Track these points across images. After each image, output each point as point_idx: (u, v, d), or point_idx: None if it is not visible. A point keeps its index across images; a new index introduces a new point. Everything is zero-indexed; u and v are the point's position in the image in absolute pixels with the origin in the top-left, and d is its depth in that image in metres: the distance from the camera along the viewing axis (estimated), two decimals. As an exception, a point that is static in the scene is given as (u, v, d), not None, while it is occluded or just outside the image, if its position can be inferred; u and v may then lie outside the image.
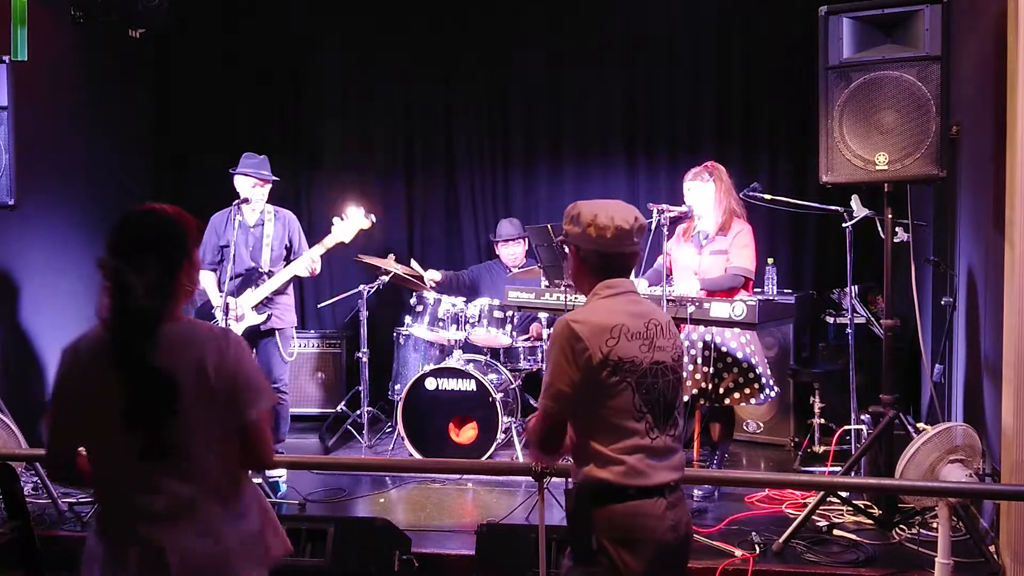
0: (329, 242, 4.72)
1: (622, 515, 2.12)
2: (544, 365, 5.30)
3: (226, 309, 4.39)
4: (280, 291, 4.72)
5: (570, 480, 2.25)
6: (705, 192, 4.32)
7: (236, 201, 4.67)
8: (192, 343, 1.93)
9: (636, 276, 4.44)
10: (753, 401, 4.30)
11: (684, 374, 2.29)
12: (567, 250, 2.32)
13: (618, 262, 2.23)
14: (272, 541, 2.06)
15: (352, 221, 4.75)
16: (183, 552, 1.88)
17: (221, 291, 4.61)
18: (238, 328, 4.57)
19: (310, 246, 4.78)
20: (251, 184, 4.71)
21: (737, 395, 4.24)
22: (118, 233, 1.97)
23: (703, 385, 4.21)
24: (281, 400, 4.67)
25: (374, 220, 4.84)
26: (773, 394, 4.33)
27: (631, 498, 2.12)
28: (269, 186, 4.80)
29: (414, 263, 5.73)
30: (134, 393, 1.88)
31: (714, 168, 4.36)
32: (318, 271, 4.78)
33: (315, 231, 6.60)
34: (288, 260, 4.81)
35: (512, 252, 5.81)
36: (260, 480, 4.17)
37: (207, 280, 4.73)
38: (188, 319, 2.01)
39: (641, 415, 2.15)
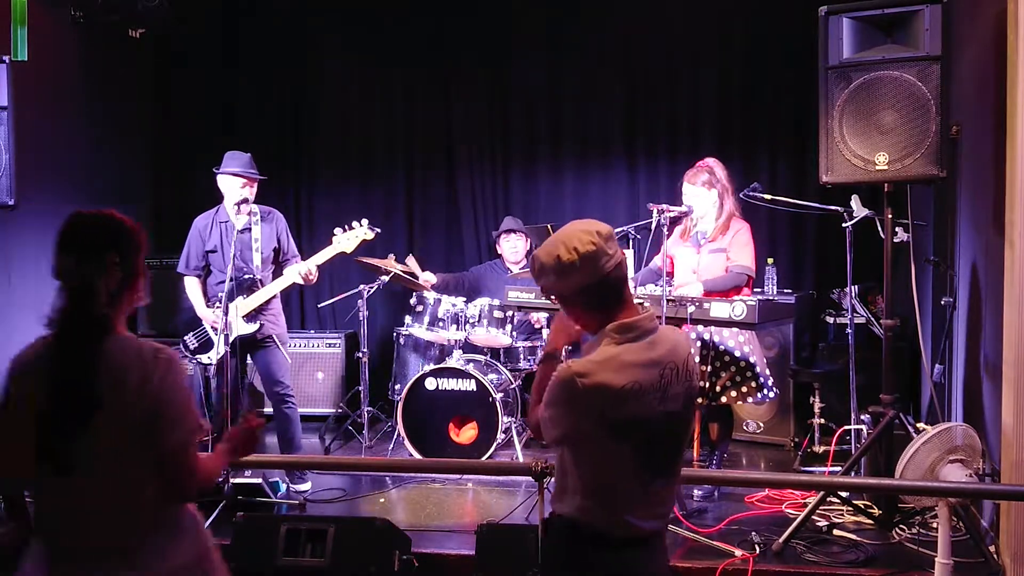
0: (329, 253, 4.59)
1: (599, 563, 1.98)
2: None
3: (225, 310, 4.31)
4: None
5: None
6: (705, 197, 4.32)
7: (235, 202, 4.49)
8: (120, 359, 1.85)
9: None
10: (751, 400, 4.29)
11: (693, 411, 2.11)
12: (560, 305, 2.10)
13: (608, 285, 1.99)
14: (211, 572, 1.97)
15: (355, 232, 4.63)
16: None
17: (208, 299, 4.54)
18: (220, 339, 4.46)
19: (311, 250, 4.67)
20: (240, 184, 4.50)
21: (734, 393, 4.23)
22: (81, 231, 1.90)
23: (702, 384, 4.20)
24: (290, 404, 4.58)
25: (378, 232, 4.73)
26: (772, 395, 4.32)
27: (613, 545, 1.97)
28: (256, 186, 4.61)
29: (411, 260, 5.70)
30: (52, 401, 1.81)
31: (712, 169, 4.35)
32: (314, 280, 4.63)
33: (315, 231, 6.67)
34: (276, 263, 4.67)
35: (514, 246, 5.80)
36: (260, 480, 4.17)
37: (192, 288, 4.63)
38: (126, 334, 1.93)
39: (639, 473, 1.97)
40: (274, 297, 4.61)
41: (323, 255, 4.60)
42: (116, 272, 1.88)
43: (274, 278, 4.65)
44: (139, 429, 1.83)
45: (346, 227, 4.66)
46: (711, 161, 4.41)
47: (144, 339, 1.96)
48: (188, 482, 1.92)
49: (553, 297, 2.08)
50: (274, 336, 4.60)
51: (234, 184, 4.52)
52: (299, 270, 4.52)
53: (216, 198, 4.75)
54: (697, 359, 4.19)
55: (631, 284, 4.35)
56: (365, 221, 4.69)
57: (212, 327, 4.47)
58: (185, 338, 4.72)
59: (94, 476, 1.83)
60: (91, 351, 1.83)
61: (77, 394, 1.80)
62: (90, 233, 1.91)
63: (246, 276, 4.55)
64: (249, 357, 4.65)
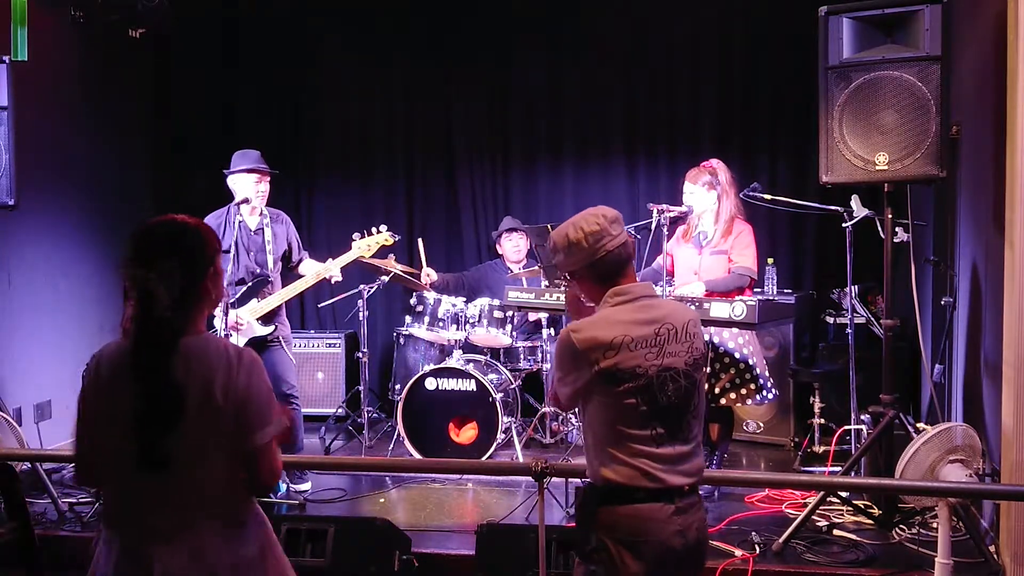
0: (349, 257, 4.64)
1: (626, 517, 2.11)
2: (543, 365, 5.34)
3: (225, 310, 4.31)
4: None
5: (571, 480, 2.26)
6: (705, 198, 4.32)
7: (238, 201, 4.50)
8: (204, 360, 1.90)
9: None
10: (750, 402, 4.29)
11: (702, 377, 2.25)
12: (571, 281, 2.31)
13: (610, 262, 2.20)
14: (271, 570, 2.02)
15: (375, 238, 4.66)
16: (170, 572, 1.86)
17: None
18: (240, 341, 4.47)
19: (310, 250, 4.69)
20: (255, 180, 4.51)
21: (733, 395, 4.24)
22: (140, 241, 1.95)
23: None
24: (295, 405, 4.58)
25: (398, 238, 4.77)
26: (771, 396, 4.32)
27: (638, 500, 2.11)
28: (269, 182, 4.62)
29: (420, 244, 5.68)
30: (143, 403, 1.86)
31: (715, 171, 4.34)
32: (335, 281, 4.67)
33: (315, 231, 6.67)
34: (285, 265, 4.69)
35: (515, 245, 5.80)
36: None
37: None
38: (206, 334, 1.99)
39: (647, 423, 2.12)
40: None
41: (345, 259, 4.63)
42: (176, 276, 1.91)
43: (283, 281, 4.65)
44: (226, 427, 1.89)
45: (364, 232, 4.67)
46: (715, 162, 4.40)
47: (225, 339, 2.02)
48: (271, 478, 2.01)
49: (566, 274, 2.29)
50: (280, 337, 4.59)
51: (247, 181, 4.51)
52: (324, 272, 4.55)
53: (217, 198, 4.76)
54: None
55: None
56: (384, 227, 4.74)
57: (235, 327, 4.42)
58: None
59: (179, 472, 1.88)
60: (163, 355, 1.87)
61: (162, 397, 1.86)
62: (146, 241, 1.95)
63: (261, 277, 4.55)
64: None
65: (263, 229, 4.59)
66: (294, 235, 4.74)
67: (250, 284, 4.54)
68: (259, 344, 4.55)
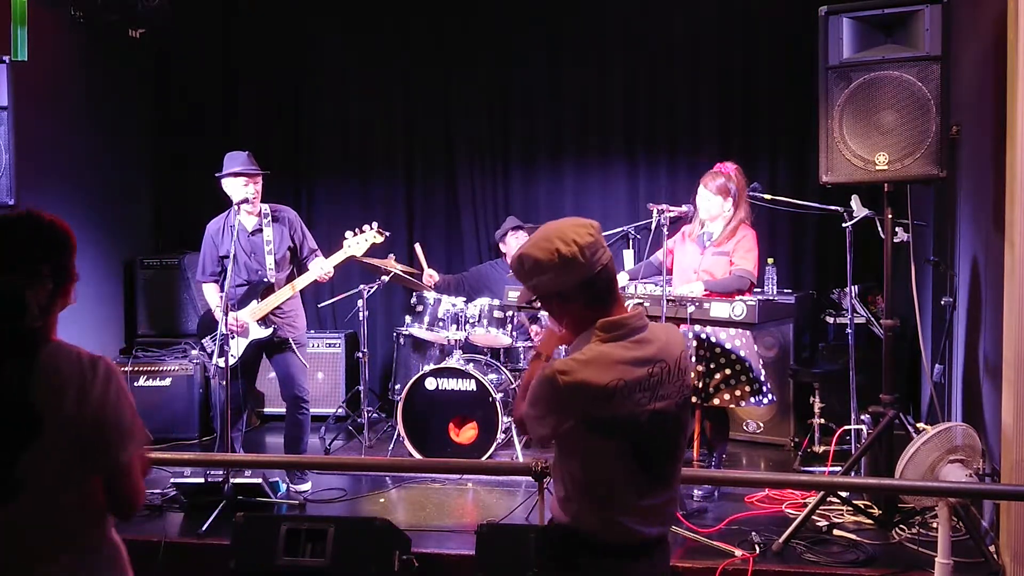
0: (341, 256, 4.60)
1: (595, 570, 1.94)
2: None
3: (225, 313, 4.32)
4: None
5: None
6: (718, 205, 4.28)
7: (237, 202, 4.49)
8: (57, 371, 1.71)
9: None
10: (744, 404, 4.28)
11: (688, 415, 2.06)
12: (548, 308, 2.02)
13: (604, 280, 1.94)
14: None
15: (365, 235, 4.65)
16: None
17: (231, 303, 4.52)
18: (241, 343, 4.49)
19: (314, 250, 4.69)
20: (243, 183, 4.47)
21: (728, 396, 4.22)
22: (3, 242, 1.75)
23: (695, 383, 4.18)
24: (304, 410, 4.58)
25: (388, 235, 4.77)
26: (766, 400, 4.30)
27: (611, 555, 1.93)
28: (261, 181, 4.58)
29: (418, 248, 5.69)
30: None
31: (731, 177, 4.29)
32: (327, 279, 4.64)
33: (315, 231, 6.58)
34: (296, 262, 4.66)
35: (520, 242, 5.80)
36: (260, 479, 4.17)
37: (211, 293, 4.63)
38: (57, 341, 1.78)
39: (631, 473, 1.92)
40: (290, 298, 4.59)
41: (336, 258, 4.61)
42: (48, 283, 1.75)
43: (297, 276, 4.63)
44: (82, 444, 1.71)
45: (356, 230, 4.68)
46: (731, 167, 4.36)
47: (79, 347, 1.80)
48: (136, 499, 1.81)
49: (545, 303, 1.99)
50: (290, 340, 4.58)
51: (237, 184, 4.50)
52: (319, 273, 4.52)
53: (217, 198, 4.75)
54: (693, 358, 4.18)
55: (625, 277, 4.37)
56: (375, 224, 4.71)
57: (231, 331, 4.41)
58: (203, 341, 4.71)
59: (33, 498, 1.69)
60: (26, 370, 1.69)
61: (17, 415, 1.67)
62: (17, 242, 1.76)
63: (260, 279, 4.54)
64: (267, 358, 4.66)
65: (261, 230, 4.57)
66: (299, 229, 4.68)
67: (249, 287, 4.55)
68: (269, 347, 4.58)
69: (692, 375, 4.14)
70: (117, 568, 1.85)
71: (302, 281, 4.57)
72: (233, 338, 4.43)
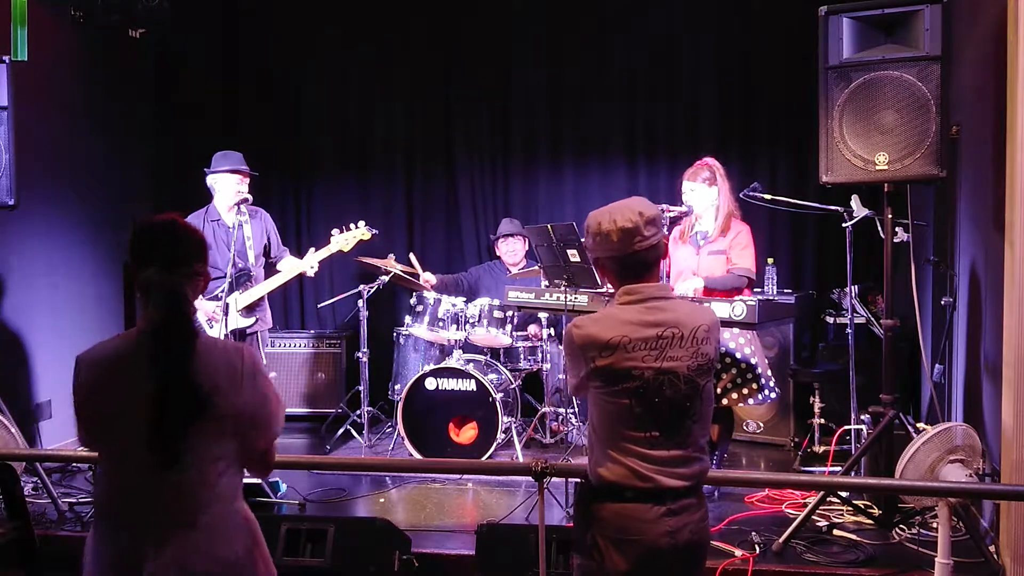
0: (327, 251, 4.78)
1: (615, 515, 2.14)
2: (543, 365, 5.34)
3: (225, 309, 4.39)
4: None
5: (571, 480, 2.29)
6: (707, 194, 4.32)
7: (237, 201, 4.66)
8: (213, 360, 1.93)
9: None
10: (751, 401, 4.29)
11: (708, 383, 2.22)
12: (595, 265, 2.33)
13: (634, 262, 2.18)
14: (260, 570, 2.02)
15: (353, 233, 4.80)
16: (161, 567, 1.87)
17: (205, 294, 4.62)
18: (220, 331, 4.55)
19: (308, 247, 4.83)
20: (238, 180, 4.69)
21: (735, 395, 4.23)
22: (166, 244, 1.99)
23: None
24: None
25: (376, 233, 4.89)
26: (773, 396, 4.31)
27: (626, 499, 2.13)
28: (248, 181, 4.80)
29: (412, 257, 5.73)
30: (164, 401, 1.87)
31: (714, 168, 4.35)
32: (313, 273, 4.86)
33: (315, 231, 6.65)
34: (267, 260, 4.86)
35: (512, 248, 5.81)
36: (260, 480, 4.17)
37: None
38: (204, 334, 2.02)
39: (641, 424, 2.13)
40: (265, 294, 4.80)
41: (323, 252, 4.78)
42: (198, 279, 2.02)
43: (266, 275, 4.82)
44: (233, 426, 1.94)
45: (343, 228, 4.78)
46: (710, 160, 4.41)
47: (224, 339, 2.08)
48: (272, 464, 2.15)
49: (592, 259, 2.30)
50: (258, 333, 4.77)
51: (231, 181, 4.67)
52: (303, 266, 4.73)
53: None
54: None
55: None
56: (363, 223, 4.87)
57: (209, 320, 4.60)
58: None
59: (186, 470, 1.90)
60: (189, 354, 1.91)
61: (184, 395, 1.88)
62: (177, 243, 2.01)
63: (244, 272, 4.69)
64: None
65: (242, 226, 4.73)
66: (273, 230, 4.93)
67: (232, 278, 4.63)
68: (239, 336, 4.72)
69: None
70: (247, 540, 2.02)
71: (283, 277, 4.75)
72: (212, 327, 4.56)
